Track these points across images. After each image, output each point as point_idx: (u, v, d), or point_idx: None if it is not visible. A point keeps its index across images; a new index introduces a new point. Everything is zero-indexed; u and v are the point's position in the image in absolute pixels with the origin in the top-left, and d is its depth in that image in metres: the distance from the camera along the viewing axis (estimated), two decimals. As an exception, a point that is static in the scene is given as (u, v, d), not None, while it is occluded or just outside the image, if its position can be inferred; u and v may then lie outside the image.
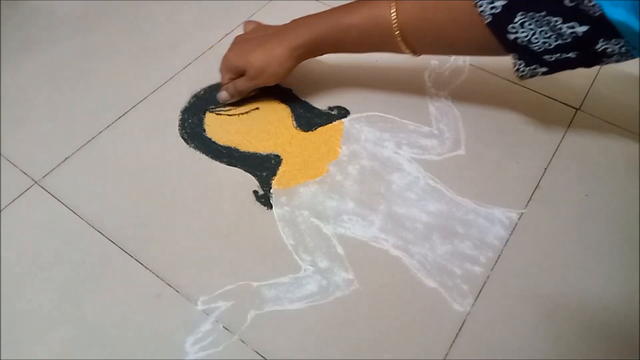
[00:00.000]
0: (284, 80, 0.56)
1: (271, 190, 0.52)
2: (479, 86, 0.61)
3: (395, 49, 0.51)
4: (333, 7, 0.53)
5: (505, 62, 0.50)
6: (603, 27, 0.41)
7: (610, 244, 0.48)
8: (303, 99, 0.60)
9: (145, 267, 0.47)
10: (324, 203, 0.51)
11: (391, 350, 0.42)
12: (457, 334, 0.43)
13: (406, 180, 0.52)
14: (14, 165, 0.55)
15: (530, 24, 0.43)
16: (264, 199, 0.51)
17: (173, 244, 0.48)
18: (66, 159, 0.55)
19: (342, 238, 0.48)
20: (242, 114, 0.58)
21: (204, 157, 0.55)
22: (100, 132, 0.57)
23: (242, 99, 0.59)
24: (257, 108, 0.59)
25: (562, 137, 0.56)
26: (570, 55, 0.44)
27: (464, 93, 0.60)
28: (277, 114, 0.58)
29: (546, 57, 0.45)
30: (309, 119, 0.58)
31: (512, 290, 0.45)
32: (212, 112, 0.59)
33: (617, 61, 0.44)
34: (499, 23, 0.44)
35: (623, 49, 0.42)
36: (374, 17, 0.49)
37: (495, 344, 0.43)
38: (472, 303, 0.45)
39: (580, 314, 0.44)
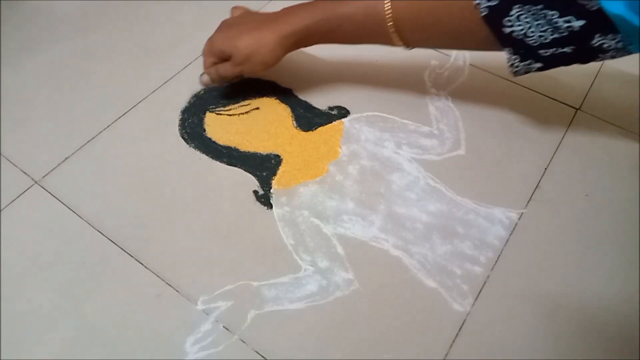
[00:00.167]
0: (270, 69, 0.54)
1: (271, 190, 0.52)
2: (479, 86, 0.61)
3: (388, 41, 0.50)
4: None
5: (505, 61, 0.50)
6: (600, 21, 0.40)
7: (610, 244, 0.48)
8: (303, 98, 0.60)
9: (145, 267, 0.47)
10: (324, 203, 0.51)
11: (391, 350, 0.42)
12: (457, 334, 0.43)
13: (406, 180, 0.52)
14: (14, 165, 0.55)
15: (526, 17, 0.43)
16: (264, 199, 0.51)
17: (173, 244, 0.48)
18: (66, 159, 0.55)
19: (342, 238, 0.48)
20: (242, 114, 0.58)
21: (204, 157, 0.55)
22: (100, 132, 0.57)
23: (242, 99, 0.59)
24: (257, 108, 0.59)
25: (562, 137, 0.56)
26: (565, 49, 0.44)
27: (464, 93, 0.60)
28: (277, 114, 0.58)
29: (542, 51, 0.44)
30: (309, 119, 0.58)
31: (512, 290, 0.45)
32: (212, 112, 0.59)
33: (613, 57, 0.44)
34: (495, 16, 0.44)
35: (620, 44, 0.42)
36: (368, 8, 0.49)
37: (495, 344, 0.43)
38: (472, 303, 0.45)
39: (580, 314, 0.44)
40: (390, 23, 0.48)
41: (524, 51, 0.45)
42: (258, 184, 0.52)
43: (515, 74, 0.48)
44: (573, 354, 0.42)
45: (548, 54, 0.44)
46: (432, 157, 0.54)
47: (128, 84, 0.62)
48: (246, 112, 0.58)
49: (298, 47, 0.53)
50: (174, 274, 0.46)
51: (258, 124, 0.57)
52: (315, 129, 0.57)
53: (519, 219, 0.49)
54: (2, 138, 0.57)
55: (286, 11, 0.53)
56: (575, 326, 0.43)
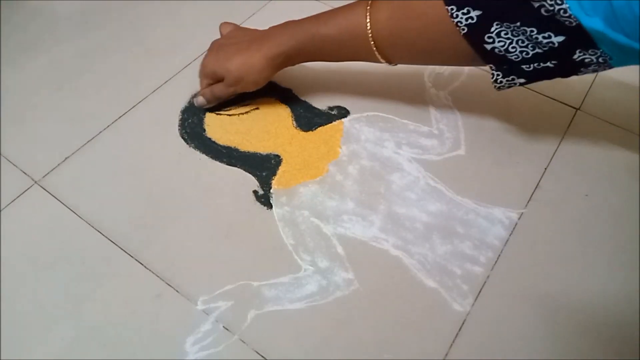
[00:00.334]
0: (262, 86, 0.55)
1: (271, 190, 0.52)
2: (479, 86, 0.61)
3: (372, 59, 0.51)
4: (312, 15, 0.52)
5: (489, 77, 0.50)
6: (579, 37, 0.40)
7: (610, 244, 0.48)
8: (303, 98, 0.60)
9: (145, 267, 0.47)
10: (324, 203, 0.51)
11: (391, 350, 0.42)
12: (457, 334, 0.43)
13: (406, 180, 0.52)
14: (14, 165, 0.55)
15: (507, 33, 0.43)
16: (264, 199, 0.51)
17: (173, 244, 0.48)
18: (66, 159, 0.55)
19: (342, 238, 0.48)
20: (242, 114, 0.58)
21: (204, 157, 0.55)
22: (100, 132, 0.57)
23: (242, 99, 0.59)
24: (257, 108, 0.59)
25: (562, 137, 0.56)
26: (548, 64, 0.43)
27: (464, 93, 0.60)
28: (277, 114, 0.58)
29: (524, 66, 0.44)
30: (309, 119, 0.58)
31: (512, 290, 0.45)
32: (212, 112, 0.59)
33: (595, 71, 0.43)
34: (476, 33, 0.44)
35: (600, 59, 0.41)
36: (350, 28, 0.49)
37: (495, 344, 0.43)
38: (472, 303, 0.45)
39: (580, 314, 0.44)
40: (372, 42, 0.49)
41: (507, 67, 0.45)
42: (258, 184, 0.52)
43: (499, 89, 0.48)
44: (573, 354, 0.42)
45: (531, 68, 0.44)
46: (432, 157, 0.54)
47: (128, 84, 0.62)
48: (246, 112, 0.58)
49: (287, 66, 0.54)
50: (174, 274, 0.46)
51: (258, 124, 0.57)
52: (315, 129, 0.57)
53: (519, 219, 0.49)
54: (2, 138, 0.57)
55: (272, 31, 0.54)
56: (575, 326, 0.43)
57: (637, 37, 0.37)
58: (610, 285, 0.45)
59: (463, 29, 0.44)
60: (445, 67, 0.62)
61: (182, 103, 0.60)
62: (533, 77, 0.45)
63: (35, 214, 0.51)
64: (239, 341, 0.43)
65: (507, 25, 0.42)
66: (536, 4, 0.40)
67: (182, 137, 0.56)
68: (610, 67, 0.42)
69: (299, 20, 0.53)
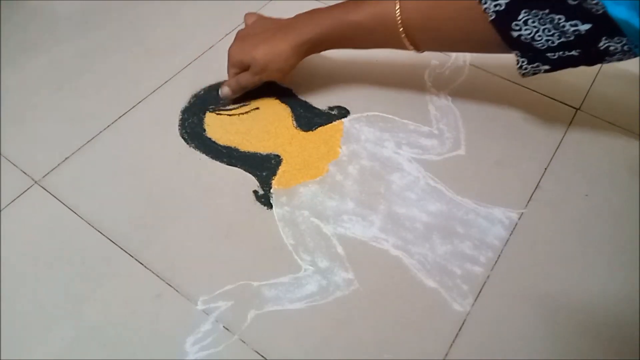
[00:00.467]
0: (289, 75, 0.55)
1: (271, 190, 0.52)
2: (479, 86, 0.61)
3: (400, 46, 0.51)
4: (338, 3, 0.53)
5: (505, 61, 0.50)
6: (605, 25, 0.41)
7: (610, 244, 0.48)
8: (303, 98, 0.60)
9: (145, 267, 0.47)
10: (324, 203, 0.51)
11: (391, 350, 0.42)
12: (457, 334, 0.43)
13: (406, 180, 0.52)
14: (14, 165, 0.55)
15: (533, 22, 0.43)
16: (264, 199, 0.51)
17: (173, 244, 0.48)
18: (66, 159, 0.55)
19: (342, 238, 0.48)
20: (242, 114, 0.58)
21: (204, 157, 0.55)
22: (100, 132, 0.57)
23: (242, 99, 0.59)
24: (257, 108, 0.59)
25: (562, 137, 0.56)
26: (573, 53, 0.44)
27: (464, 93, 0.60)
28: (277, 114, 0.58)
29: (549, 54, 0.45)
30: (309, 119, 0.58)
31: (512, 290, 0.45)
32: (212, 112, 0.59)
33: (620, 59, 0.44)
34: (503, 20, 0.44)
35: (626, 47, 0.42)
36: (379, 15, 0.49)
37: (495, 344, 0.43)
38: (472, 303, 0.45)
39: (580, 314, 0.44)
40: (401, 28, 0.49)
41: (532, 54, 0.46)
42: (258, 184, 0.52)
43: (524, 75, 0.48)
44: (573, 354, 0.42)
45: (555, 56, 0.45)
46: (432, 157, 0.54)
47: (128, 84, 0.62)
48: (246, 112, 0.58)
49: (312, 53, 0.55)
50: (174, 274, 0.46)
51: (258, 124, 0.57)
52: (315, 129, 0.57)
53: (519, 219, 0.49)
54: (2, 138, 0.57)
55: (298, 19, 0.54)
56: (575, 326, 0.43)
57: None
58: (610, 285, 0.45)
59: (491, 16, 0.44)
60: (445, 66, 0.62)
61: (182, 103, 0.60)
62: (558, 64, 0.46)
63: (35, 214, 0.51)
64: (239, 341, 0.43)
65: (535, 13, 0.43)
66: None
67: (182, 137, 0.56)
68: (636, 55, 0.43)
69: (325, 8, 0.53)
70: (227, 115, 0.58)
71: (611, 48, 0.43)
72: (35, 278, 0.47)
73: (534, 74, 0.48)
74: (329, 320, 0.44)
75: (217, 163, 0.54)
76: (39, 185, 0.53)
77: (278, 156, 0.55)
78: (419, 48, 0.51)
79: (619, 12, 0.39)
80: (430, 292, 0.45)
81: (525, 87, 0.60)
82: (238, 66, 0.56)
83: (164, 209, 0.51)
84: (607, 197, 0.51)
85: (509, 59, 0.49)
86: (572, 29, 0.42)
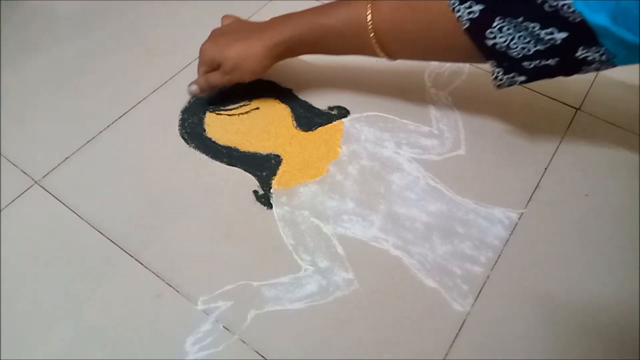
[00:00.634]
0: (260, 77, 0.54)
1: (271, 190, 0.52)
2: (479, 86, 0.61)
3: (372, 53, 0.50)
4: (314, 7, 0.52)
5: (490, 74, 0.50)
6: (583, 33, 0.40)
7: (610, 244, 0.48)
8: (303, 98, 0.60)
9: (145, 267, 0.47)
10: (324, 203, 0.51)
11: (391, 350, 0.42)
12: (457, 334, 0.43)
13: (406, 180, 0.52)
14: (14, 165, 0.55)
15: (508, 29, 0.42)
16: (264, 199, 0.51)
17: (173, 244, 0.48)
18: (66, 159, 0.55)
19: (342, 238, 0.48)
20: (242, 114, 0.58)
21: (204, 157, 0.55)
22: (100, 132, 0.57)
23: (242, 98, 0.59)
24: (257, 108, 0.59)
25: (562, 137, 0.56)
26: (549, 62, 0.43)
27: (464, 93, 0.60)
28: (277, 114, 0.58)
29: (525, 63, 0.44)
30: (309, 119, 0.58)
31: (512, 290, 0.45)
32: (212, 112, 0.59)
33: (597, 69, 0.43)
34: (477, 28, 0.43)
35: (603, 57, 0.41)
36: (351, 19, 0.49)
37: (495, 344, 0.43)
38: (472, 303, 0.45)
39: (580, 314, 0.44)
40: (372, 34, 0.48)
41: (508, 64, 0.45)
42: (258, 184, 0.52)
43: (499, 87, 0.47)
44: (573, 354, 0.42)
45: (532, 66, 0.44)
46: (432, 157, 0.54)
47: (128, 84, 0.62)
48: (246, 112, 0.58)
49: (285, 57, 0.54)
50: (174, 274, 0.46)
51: (258, 124, 0.57)
52: (315, 129, 0.57)
53: (519, 219, 0.49)
54: (2, 138, 0.57)
55: (274, 21, 0.53)
56: (575, 326, 0.43)
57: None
58: (610, 285, 0.45)
59: (465, 23, 0.43)
60: (445, 66, 0.62)
61: (182, 103, 0.60)
62: (534, 75, 0.45)
63: (35, 214, 0.51)
64: (239, 341, 0.43)
65: (509, 20, 0.42)
66: (539, 0, 0.40)
67: (182, 137, 0.56)
68: (614, 65, 0.42)
69: (301, 12, 0.52)
70: (227, 115, 0.58)
71: (589, 58, 0.41)
72: (35, 278, 0.47)
73: (510, 85, 0.47)
74: (329, 320, 0.44)
75: (217, 163, 0.54)
76: (39, 185, 0.53)
77: (278, 156, 0.55)
78: (391, 55, 0.50)
79: (598, 19, 0.38)
80: (430, 292, 0.45)
81: (526, 87, 0.60)
82: (208, 64, 0.55)
83: (164, 209, 0.51)
84: (607, 197, 0.51)
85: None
86: (548, 37, 0.41)
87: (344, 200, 0.51)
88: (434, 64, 0.63)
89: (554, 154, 0.54)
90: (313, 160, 0.54)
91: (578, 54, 0.41)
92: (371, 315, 0.44)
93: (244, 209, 0.51)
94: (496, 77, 0.46)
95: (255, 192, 0.52)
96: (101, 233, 0.49)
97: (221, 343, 0.43)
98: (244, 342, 0.43)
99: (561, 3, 0.39)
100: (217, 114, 0.58)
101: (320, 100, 0.59)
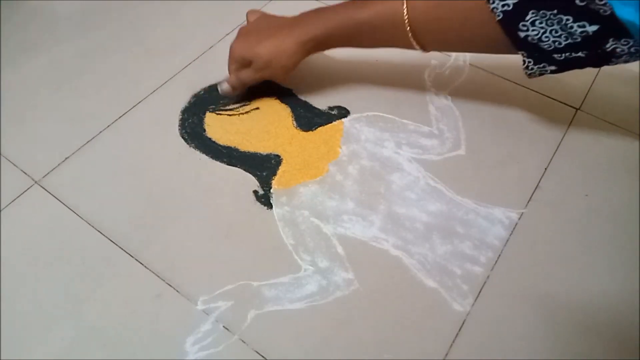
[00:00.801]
0: (291, 74, 0.55)
1: (271, 190, 0.52)
2: (479, 86, 0.61)
3: (406, 45, 0.51)
4: (344, 2, 0.52)
5: (505, 61, 0.50)
6: (613, 26, 0.41)
7: (610, 244, 0.48)
8: (303, 98, 0.60)
9: (145, 267, 0.47)
10: (324, 203, 0.51)
11: (391, 350, 0.42)
12: (457, 334, 0.43)
13: (406, 180, 0.52)
14: (14, 165, 0.55)
15: (541, 22, 0.43)
16: (264, 199, 0.51)
17: (173, 244, 0.48)
18: (66, 159, 0.55)
19: (342, 238, 0.48)
20: (242, 114, 0.58)
21: (204, 157, 0.55)
22: (101, 132, 0.57)
23: (242, 98, 0.59)
24: (257, 108, 0.59)
25: (562, 137, 0.56)
26: (579, 54, 0.44)
27: (464, 93, 0.60)
28: (277, 114, 0.58)
29: (556, 55, 0.45)
30: (309, 119, 0.58)
31: (512, 290, 0.45)
32: (212, 112, 0.59)
33: (626, 61, 0.44)
34: (510, 20, 0.44)
35: (632, 49, 0.42)
36: (386, 13, 0.49)
37: (495, 344, 0.43)
38: (472, 303, 0.45)
39: (580, 314, 0.44)
40: (408, 27, 0.49)
41: (538, 54, 0.46)
42: (258, 184, 0.52)
43: (530, 76, 0.48)
44: (573, 354, 0.42)
45: (562, 57, 0.45)
46: (432, 157, 0.54)
47: (128, 84, 0.62)
48: (246, 112, 0.58)
49: (317, 52, 0.54)
50: (174, 274, 0.46)
51: (258, 124, 0.57)
52: (315, 129, 0.57)
53: (519, 219, 0.49)
54: (2, 138, 0.57)
55: (304, 16, 0.54)
56: (575, 326, 0.43)
57: None
58: (610, 285, 0.45)
59: (499, 15, 0.44)
60: (445, 66, 0.62)
61: (182, 103, 0.60)
62: (564, 65, 0.46)
63: (35, 214, 0.51)
64: (239, 341, 0.43)
65: (542, 13, 0.43)
66: None
67: (182, 137, 0.56)
68: None
69: (332, 6, 0.53)
70: (227, 115, 0.58)
71: (618, 50, 0.42)
72: (35, 278, 0.47)
73: (540, 74, 0.48)
74: (329, 320, 0.44)
75: (217, 163, 0.54)
76: (39, 185, 0.53)
77: (278, 156, 0.55)
78: (425, 48, 0.51)
79: (627, 13, 0.39)
80: (430, 292, 0.45)
81: (526, 87, 0.60)
82: (240, 62, 0.55)
83: (164, 209, 0.51)
84: (607, 197, 0.51)
85: (509, 58, 0.49)
86: (580, 30, 0.42)
87: (344, 200, 0.51)
88: (434, 63, 0.63)
89: (554, 154, 0.54)
90: (313, 160, 0.54)
91: (607, 46, 0.42)
92: (371, 315, 0.44)
93: (244, 209, 0.51)
94: (527, 67, 0.47)
95: (255, 192, 0.52)
96: (101, 233, 0.49)
97: (221, 343, 0.43)
98: (244, 342, 0.43)
99: None
100: (217, 114, 0.58)
101: (320, 100, 0.59)
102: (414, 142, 0.55)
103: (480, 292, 0.45)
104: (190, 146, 0.56)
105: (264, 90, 0.59)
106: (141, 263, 0.47)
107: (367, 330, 0.43)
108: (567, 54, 0.44)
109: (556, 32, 0.43)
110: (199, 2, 0.72)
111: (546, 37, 0.44)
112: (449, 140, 0.55)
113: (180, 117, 0.58)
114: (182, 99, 0.60)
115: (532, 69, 0.47)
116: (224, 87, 0.57)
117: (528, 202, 0.51)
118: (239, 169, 0.54)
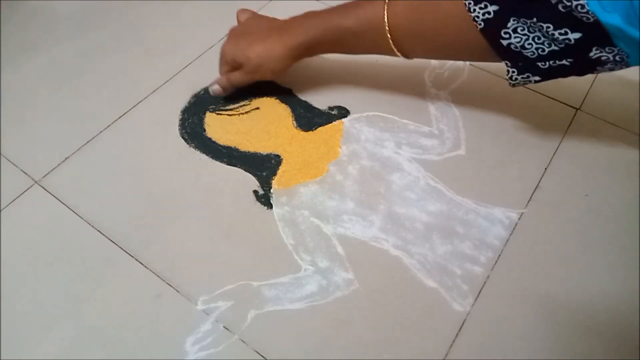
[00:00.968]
0: (282, 76, 0.55)
1: (271, 190, 0.52)
2: (479, 86, 0.61)
3: (388, 52, 0.51)
4: (331, 7, 0.53)
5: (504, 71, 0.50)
6: (597, 33, 0.40)
7: (610, 244, 0.48)
8: (303, 98, 0.60)
9: (145, 267, 0.47)
10: (324, 203, 0.51)
11: (391, 350, 0.42)
12: (457, 334, 0.43)
13: (406, 180, 0.52)
14: (14, 165, 0.55)
15: (523, 30, 0.43)
16: (264, 199, 0.51)
17: (173, 244, 0.48)
18: (66, 159, 0.55)
19: (342, 238, 0.48)
20: (242, 114, 0.58)
21: (204, 157, 0.55)
22: (101, 132, 0.57)
23: (242, 98, 0.59)
24: (257, 108, 0.59)
25: (562, 137, 0.56)
26: (564, 62, 0.43)
27: (464, 93, 0.60)
28: (277, 113, 0.58)
29: (540, 64, 0.44)
30: (309, 119, 0.58)
31: (512, 290, 0.45)
32: (212, 111, 0.59)
33: (611, 69, 0.43)
34: (492, 28, 0.44)
35: (617, 57, 0.41)
36: (367, 20, 0.49)
37: (495, 344, 0.43)
38: (472, 303, 0.45)
39: (580, 314, 0.44)
40: (389, 35, 0.49)
41: (522, 64, 0.45)
42: (258, 184, 0.52)
43: (514, 85, 0.48)
44: (573, 354, 0.42)
45: (546, 66, 0.44)
46: (432, 157, 0.54)
47: (128, 84, 0.62)
48: (246, 112, 0.58)
49: (305, 56, 0.55)
50: (174, 274, 0.46)
51: (258, 124, 0.57)
52: (316, 129, 0.57)
53: (519, 219, 0.49)
54: (2, 138, 0.57)
55: (293, 21, 0.54)
56: (575, 326, 0.43)
57: None
58: (610, 285, 0.45)
59: (480, 24, 0.44)
60: (445, 66, 0.62)
61: (182, 103, 0.60)
62: (548, 75, 0.45)
63: (35, 214, 0.51)
64: (239, 341, 0.43)
65: (523, 21, 0.42)
66: (554, 0, 0.40)
67: (182, 137, 0.56)
68: (628, 65, 0.42)
69: (319, 12, 0.53)
70: (227, 115, 0.58)
71: (603, 58, 0.42)
72: (35, 278, 0.47)
73: (524, 84, 0.47)
74: (329, 320, 0.44)
75: (217, 163, 0.54)
76: (39, 185, 0.53)
77: (278, 156, 0.55)
78: (407, 55, 0.51)
79: (611, 19, 0.38)
80: (430, 292, 0.45)
81: (526, 87, 0.60)
82: (230, 64, 0.56)
83: (164, 209, 0.51)
84: (607, 197, 0.51)
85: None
86: (562, 37, 0.41)
87: (344, 200, 0.51)
88: (434, 63, 0.63)
89: (554, 154, 0.54)
90: (313, 160, 0.54)
91: (592, 54, 0.42)
92: (371, 315, 0.44)
93: (244, 209, 0.51)
94: (511, 77, 0.47)
95: (255, 192, 0.52)
96: (101, 233, 0.49)
97: (221, 343, 0.43)
98: (244, 342, 0.43)
99: (575, 3, 0.39)
100: (217, 114, 0.58)
101: (320, 100, 0.59)
102: (414, 142, 0.55)
103: (480, 292, 0.45)
104: (190, 146, 0.56)
105: (264, 90, 0.59)
106: (141, 263, 0.47)
107: (367, 330, 0.43)
108: (552, 62, 0.44)
109: (539, 38, 0.43)
110: (199, 2, 0.72)
111: (529, 44, 0.43)
112: (449, 140, 0.55)
113: (180, 117, 0.58)
114: (182, 99, 0.60)
115: (515, 79, 0.47)
116: (215, 88, 0.58)
117: (528, 202, 0.51)
118: (239, 169, 0.54)
